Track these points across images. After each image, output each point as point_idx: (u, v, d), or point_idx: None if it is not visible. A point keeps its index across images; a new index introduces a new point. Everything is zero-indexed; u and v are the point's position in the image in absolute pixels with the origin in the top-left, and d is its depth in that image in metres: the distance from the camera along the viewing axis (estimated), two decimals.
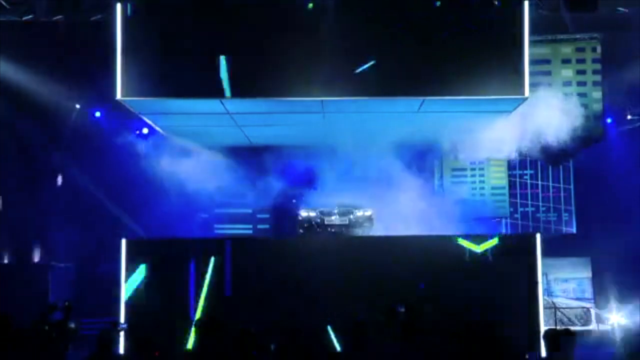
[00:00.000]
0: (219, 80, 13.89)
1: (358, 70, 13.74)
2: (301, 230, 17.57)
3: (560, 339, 7.12)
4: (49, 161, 18.23)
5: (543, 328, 12.98)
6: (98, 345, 7.71)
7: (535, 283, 13.21)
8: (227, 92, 13.96)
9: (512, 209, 20.87)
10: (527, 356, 11.54)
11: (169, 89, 14.03)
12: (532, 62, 14.43)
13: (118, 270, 13.19)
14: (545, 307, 14.52)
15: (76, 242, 18.29)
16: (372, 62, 13.73)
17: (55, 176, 18.57)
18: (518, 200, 21.06)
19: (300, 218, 17.76)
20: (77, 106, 18.54)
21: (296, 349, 7.54)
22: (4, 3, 15.58)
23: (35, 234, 17.48)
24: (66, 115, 18.28)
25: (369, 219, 17.57)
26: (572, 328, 19.55)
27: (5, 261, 17.15)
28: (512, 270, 13.15)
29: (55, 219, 18.06)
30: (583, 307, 21.05)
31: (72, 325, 7.76)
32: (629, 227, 19.77)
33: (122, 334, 11.69)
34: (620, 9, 15.86)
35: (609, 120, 19.43)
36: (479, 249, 13.21)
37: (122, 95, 13.99)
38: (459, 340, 7.82)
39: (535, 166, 20.86)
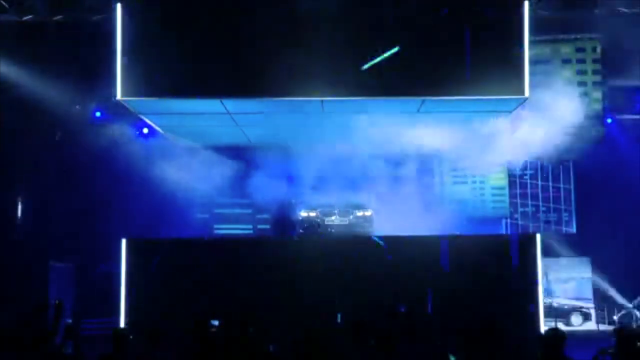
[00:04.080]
0: (219, 80, 13.88)
1: (366, 66, 13.67)
2: (301, 230, 17.59)
3: (551, 339, 7.13)
4: (49, 161, 18.22)
5: (543, 328, 12.97)
6: (114, 344, 7.71)
7: (536, 283, 13.19)
8: (227, 93, 13.96)
9: (512, 209, 20.88)
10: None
11: (169, 89, 14.02)
12: (532, 62, 14.40)
13: (118, 270, 13.18)
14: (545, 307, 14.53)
15: (76, 242, 18.29)
16: (389, 53, 13.58)
17: (54, 175, 18.54)
18: (518, 200, 21.06)
19: (300, 218, 17.79)
20: (77, 107, 18.55)
21: (296, 350, 7.54)
22: (4, 3, 15.57)
23: (35, 233, 17.46)
24: (66, 115, 18.27)
25: (369, 219, 17.59)
26: (572, 328, 19.65)
27: (6, 261, 17.11)
28: (512, 270, 13.13)
29: (56, 219, 18.06)
30: (583, 307, 21.07)
31: (70, 324, 7.72)
32: (629, 227, 19.78)
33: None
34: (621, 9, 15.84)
35: (609, 120, 19.42)
36: None
37: (122, 95, 13.98)
38: (459, 340, 7.82)
39: (535, 166, 20.87)
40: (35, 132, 17.67)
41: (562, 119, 16.91)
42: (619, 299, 19.55)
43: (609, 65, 18.22)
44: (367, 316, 8.76)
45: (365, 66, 13.64)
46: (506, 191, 20.57)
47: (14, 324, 7.65)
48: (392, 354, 7.75)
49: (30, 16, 15.80)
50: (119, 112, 17.45)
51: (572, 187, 21.08)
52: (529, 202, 21.16)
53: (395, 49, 13.63)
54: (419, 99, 14.43)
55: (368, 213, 17.60)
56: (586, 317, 20.85)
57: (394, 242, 13.45)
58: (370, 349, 7.63)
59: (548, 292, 20.43)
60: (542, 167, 20.90)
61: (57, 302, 8.02)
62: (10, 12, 15.69)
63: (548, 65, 17.85)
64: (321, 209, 17.66)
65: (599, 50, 18.02)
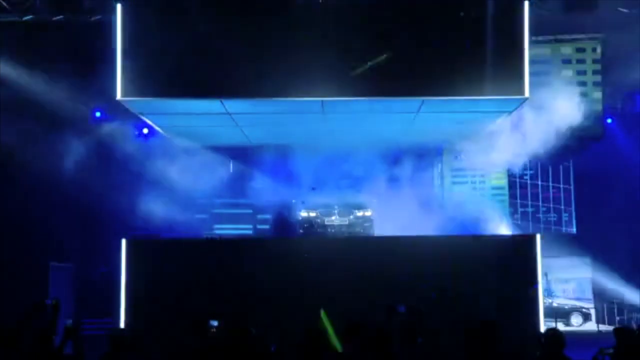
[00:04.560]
0: (219, 80, 13.88)
1: (359, 70, 13.66)
2: (301, 230, 17.58)
3: (550, 339, 7.13)
4: (48, 160, 18.21)
5: (543, 328, 12.97)
6: (111, 345, 7.71)
7: (535, 283, 13.19)
8: (228, 93, 13.96)
9: (512, 209, 20.88)
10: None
11: (169, 89, 14.02)
12: (532, 62, 14.40)
13: (118, 270, 13.18)
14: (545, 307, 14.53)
15: (76, 242, 18.29)
16: (380, 58, 13.59)
17: (54, 175, 18.54)
18: (518, 201, 21.06)
19: (300, 218, 17.78)
20: (80, 105, 18.57)
21: (296, 350, 7.54)
22: (4, 3, 15.56)
23: (35, 233, 17.45)
24: (65, 115, 18.27)
25: (369, 219, 17.59)
26: (572, 328, 19.62)
27: (6, 261, 17.11)
28: (512, 270, 13.12)
29: (56, 219, 18.05)
30: (583, 307, 21.08)
31: (70, 324, 7.69)
32: (629, 227, 19.78)
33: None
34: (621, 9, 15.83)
35: (609, 121, 19.42)
36: None
37: (122, 95, 13.98)
38: (459, 340, 7.82)
39: (535, 166, 20.86)
40: (35, 132, 17.65)
41: (562, 119, 16.90)
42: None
43: (609, 65, 18.21)
44: (366, 316, 8.77)
45: (357, 70, 13.62)
46: (506, 191, 20.57)
47: (13, 324, 7.63)
48: (391, 354, 7.74)
49: (30, 16, 15.77)
50: (119, 112, 17.46)
51: (572, 187, 21.08)
52: (529, 202, 21.16)
53: (384, 56, 13.61)
54: (419, 99, 14.43)
55: (368, 213, 17.60)
56: (586, 317, 20.87)
57: (394, 242, 13.47)
58: (370, 348, 7.63)
59: (548, 292, 20.44)
60: (542, 167, 20.90)
61: (53, 301, 7.99)
62: (11, 12, 15.66)
63: (548, 65, 17.83)
64: (321, 209, 17.65)
65: (599, 50, 17.99)
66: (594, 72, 18.07)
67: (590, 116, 17.80)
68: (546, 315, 14.36)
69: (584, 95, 17.82)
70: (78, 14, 15.59)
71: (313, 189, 18.28)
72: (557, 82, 17.64)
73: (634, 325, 16.50)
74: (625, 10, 15.83)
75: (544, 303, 14.63)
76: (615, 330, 8.28)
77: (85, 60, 16.90)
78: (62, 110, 18.17)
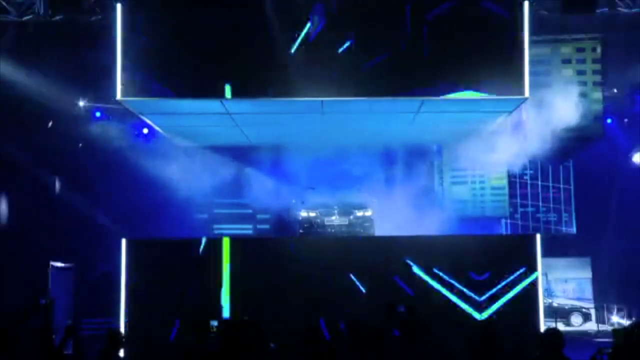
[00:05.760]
0: (219, 80, 13.89)
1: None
2: (301, 230, 17.59)
3: (550, 339, 7.13)
4: (49, 161, 18.23)
5: (543, 328, 12.98)
6: (108, 342, 7.73)
7: (535, 283, 13.19)
8: (227, 92, 13.97)
9: (512, 209, 20.88)
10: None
11: (169, 89, 14.02)
12: (532, 62, 14.40)
13: (118, 270, 13.19)
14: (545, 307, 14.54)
15: (76, 242, 18.30)
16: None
17: (54, 176, 18.57)
18: (518, 201, 21.08)
19: (300, 218, 17.79)
20: (80, 105, 18.58)
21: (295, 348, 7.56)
22: (3, 3, 15.57)
23: (35, 233, 17.47)
24: (66, 116, 18.29)
25: (369, 219, 17.60)
26: (572, 328, 19.60)
27: (6, 261, 17.12)
28: (512, 270, 13.13)
29: (56, 219, 18.07)
30: (583, 307, 21.08)
31: (70, 324, 7.71)
32: (629, 227, 19.79)
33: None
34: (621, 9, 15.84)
35: (609, 121, 19.41)
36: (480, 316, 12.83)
37: (122, 95, 13.99)
38: (458, 340, 7.83)
39: (535, 166, 20.87)
40: (35, 132, 17.67)
41: (562, 119, 16.89)
42: None
43: (609, 65, 18.22)
44: (366, 316, 8.78)
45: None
46: (506, 191, 20.57)
47: (9, 324, 7.64)
48: (391, 354, 7.76)
49: (30, 16, 15.78)
50: (119, 112, 17.47)
51: (572, 187, 21.09)
52: (529, 202, 21.17)
53: None
54: (418, 99, 14.44)
55: (368, 213, 17.62)
56: (586, 317, 20.87)
57: (394, 242, 13.48)
58: (370, 347, 7.64)
59: (548, 292, 20.44)
60: (542, 167, 20.90)
61: (47, 301, 8.00)
62: (11, 12, 15.67)
63: (548, 65, 17.82)
64: (321, 209, 17.67)
65: (599, 50, 17.98)
66: (594, 72, 18.03)
67: (590, 116, 17.78)
68: (546, 315, 14.36)
69: (583, 95, 17.80)
70: (78, 14, 15.57)
71: (312, 188, 18.28)
72: (557, 82, 17.62)
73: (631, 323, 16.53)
74: (625, 10, 15.84)
75: (544, 303, 14.63)
76: (613, 330, 8.29)
77: (85, 61, 16.90)
78: (61, 111, 18.19)
